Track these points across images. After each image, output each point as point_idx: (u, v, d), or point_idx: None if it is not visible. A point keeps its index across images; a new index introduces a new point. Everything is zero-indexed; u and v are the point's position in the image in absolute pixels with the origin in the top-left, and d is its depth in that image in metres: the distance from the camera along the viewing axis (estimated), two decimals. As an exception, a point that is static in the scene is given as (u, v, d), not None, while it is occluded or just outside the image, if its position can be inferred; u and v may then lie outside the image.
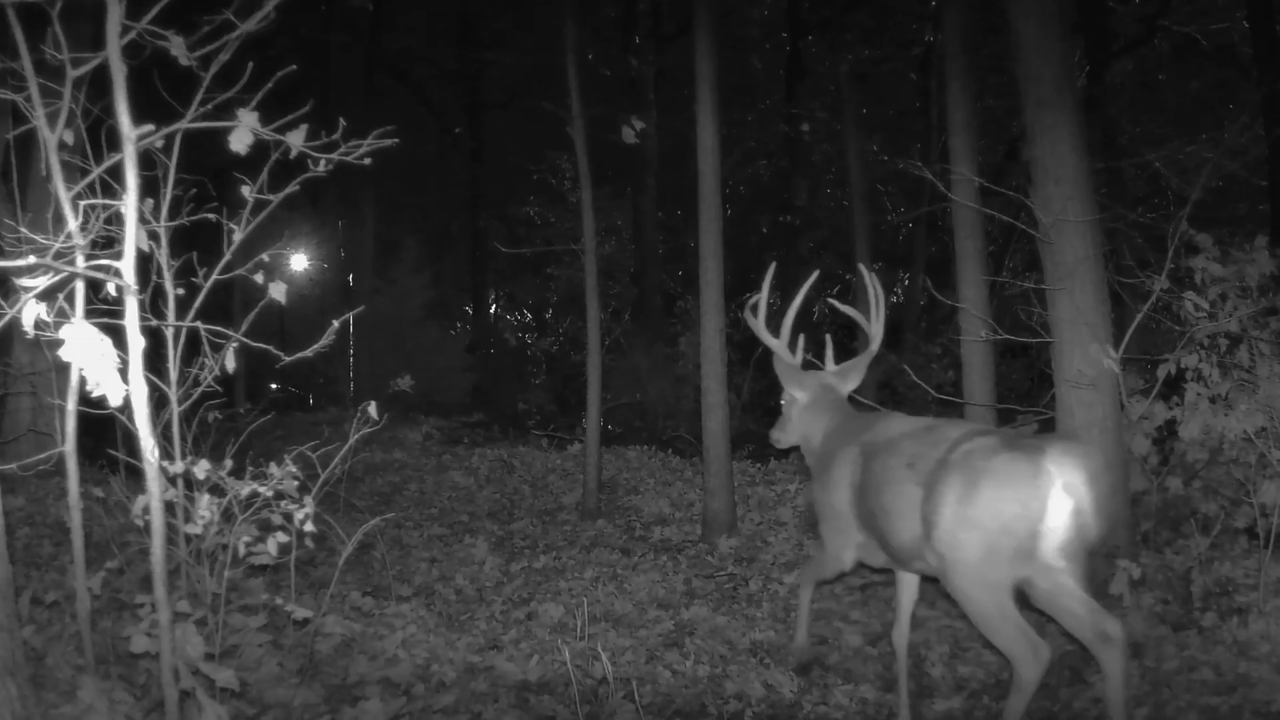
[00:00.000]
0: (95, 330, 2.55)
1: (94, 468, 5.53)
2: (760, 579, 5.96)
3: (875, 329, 4.68)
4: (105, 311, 2.81)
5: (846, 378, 4.57)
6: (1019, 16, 5.39)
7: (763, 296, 4.66)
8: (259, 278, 3.43)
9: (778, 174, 20.70)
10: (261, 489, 3.46)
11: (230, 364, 3.40)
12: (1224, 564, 5.03)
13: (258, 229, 3.38)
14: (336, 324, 3.38)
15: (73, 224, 2.72)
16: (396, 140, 3.01)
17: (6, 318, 2.68)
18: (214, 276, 3.41)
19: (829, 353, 4.71)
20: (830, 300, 5.15)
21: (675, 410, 13.26)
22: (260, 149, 2.90)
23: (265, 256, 3.64)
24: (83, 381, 2.62)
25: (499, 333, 22.50)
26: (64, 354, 2.54)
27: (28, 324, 2.63)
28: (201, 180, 3.63)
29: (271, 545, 3.52)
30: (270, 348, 3.31)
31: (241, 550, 3.49)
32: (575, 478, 9.43)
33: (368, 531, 4.30)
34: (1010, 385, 10.60)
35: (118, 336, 2.63)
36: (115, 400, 2.58)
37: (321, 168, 3.02)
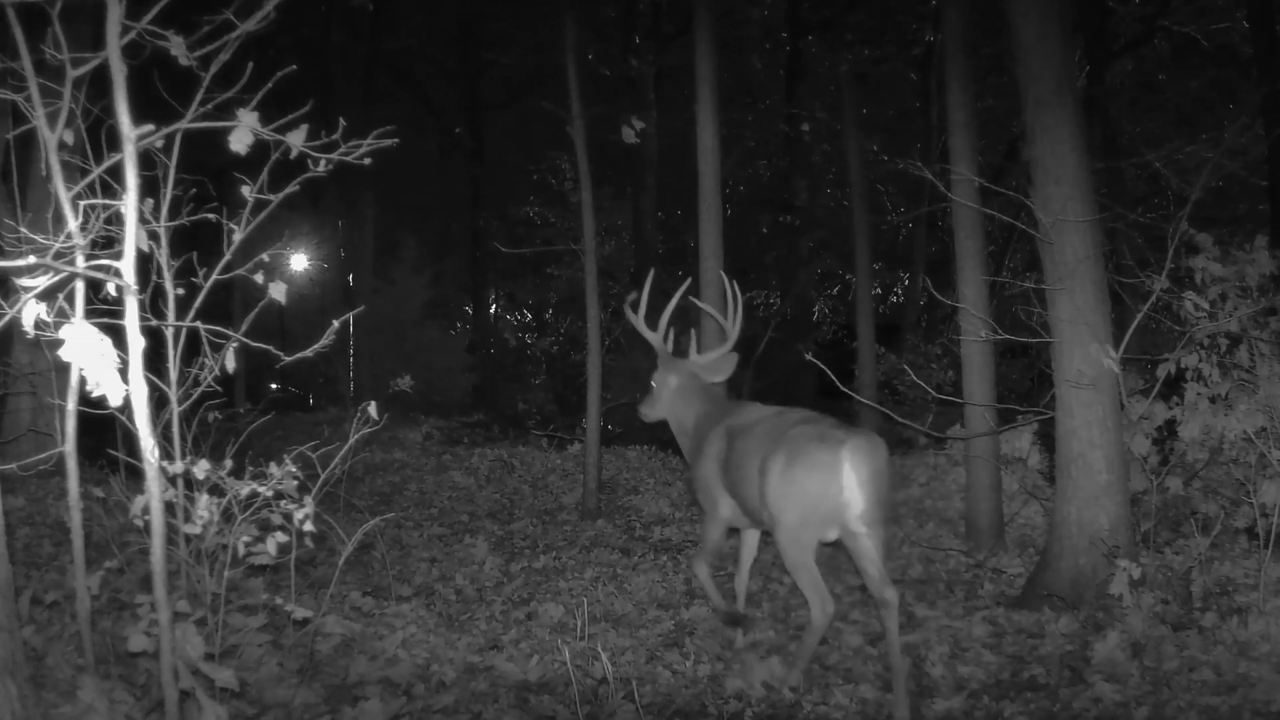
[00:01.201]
0: (95, 330, 2.55)
1: (94, 468, 5.53)
2: (760, 579, 5.96)
3: (732, 328, 5.37)
4: (105, 311, 2.81)
5: (710, 368, 5.27)
6: (1019, 16, 5.39)
7: (643, 295, 5.40)
8: (259, 278, 3.42)
9: (778, 174, 20.68)
10: (261, 489, 3.45)
11: (230, 364, 3.39)
12: (1224, 564, 5.03)
13: (258, 229, 3.37)
14: (336, 324, 3.38)
15: (73, 224, 2.72)
16: (396, 140, 3.00)
17: (6, 318, 2.68)
18: (214, 276, 3.40)
19: (694, 345, 5.40)
20: (692, 299, 5.81)
21: (675, 410, 13.21)
22: (260, 149, 2.89)
23: (265, 256, 3.63)
24: (83, 381, 2.61)
25: (499, 333, 22.46)
26: (64, 354, 2.53)
27: (28, 324, 2.62)
28: (201, 180, 3.62)
29: (271, 545, 3.51)
30: (270, 348, 3.30)
31: (241, 550, 3.49)
32: (575, 478, 9.43)
33: (368, 531, 4.29)
34: (1010, 385, 10.58)
35: (118, 336, 2.63)
36: (115, 400, 2.57)
37: (321, 168, 3.01)
